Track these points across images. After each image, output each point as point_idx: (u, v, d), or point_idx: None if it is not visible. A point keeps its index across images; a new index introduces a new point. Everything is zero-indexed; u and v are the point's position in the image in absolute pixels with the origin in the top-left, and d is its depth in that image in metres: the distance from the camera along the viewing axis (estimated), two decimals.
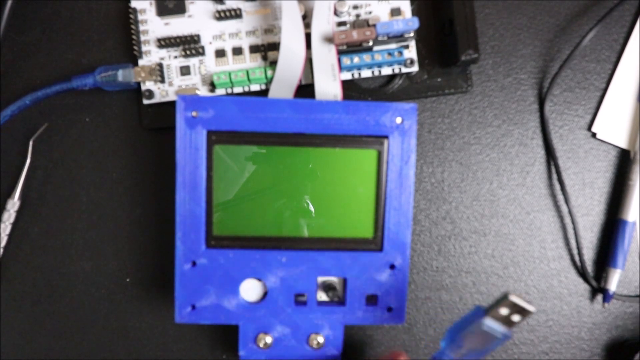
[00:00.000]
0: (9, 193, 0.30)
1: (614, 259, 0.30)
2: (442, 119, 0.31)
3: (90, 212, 0.30)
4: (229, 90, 0.29)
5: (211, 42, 0.29)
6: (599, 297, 0.31)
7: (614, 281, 0.30)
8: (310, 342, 0.27)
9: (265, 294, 0.27)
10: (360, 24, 0.29)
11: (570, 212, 0.30)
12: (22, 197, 0.30)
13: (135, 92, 0.30)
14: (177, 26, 0.29)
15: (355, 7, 0.29)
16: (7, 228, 0.29)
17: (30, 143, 0.29)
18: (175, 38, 0.28)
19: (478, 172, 0.31)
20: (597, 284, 0.31)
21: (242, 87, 0.29)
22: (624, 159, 0.31)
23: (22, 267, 0.30)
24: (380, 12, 0.29)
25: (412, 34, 0.28)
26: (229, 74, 0.28)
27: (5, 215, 0.29)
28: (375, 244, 0.27)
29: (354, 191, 0.27)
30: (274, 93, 0.28)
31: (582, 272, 0.31)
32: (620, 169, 0.31)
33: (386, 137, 0.26)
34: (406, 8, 0.29)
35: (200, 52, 0.29)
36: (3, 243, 0.29)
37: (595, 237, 0.31)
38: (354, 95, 0.30)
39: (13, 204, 0.29)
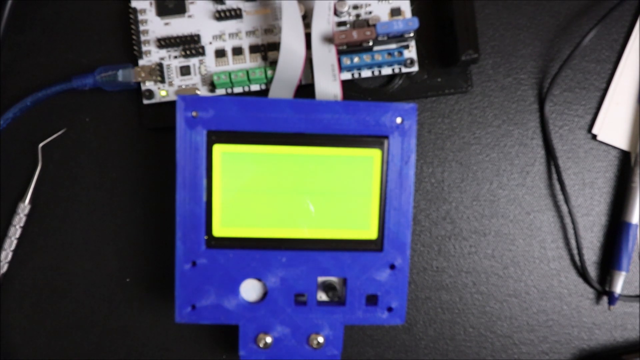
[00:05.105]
0: (9, 194, 0.30)
1: (618, 261, 0.30)
2: (442, 119, 0.31)
3: (90, 212, 0.30)
4: (229, 90, 0.29)
5: (211, 42, 0.29)
6: (598, 298, 0.31)
7: (619, 284, 0.30)
8: (310, 342, 0.27)
9: (265, 294, 0.27)
10: (360, 24, 0.29)
11: (570, 212, 0.30)
12: (32, 200, 0.30)
13: (135, 92, 0.30)
14: (177, 26, 0.29)
15: (355, 7, 0.29)
16: (17, 232, 0.29)
17: (40, 148, 0.29)
18: (175, 38, 0.28)
19: (478, 172, 0.31)
20: (600, 286, 0.31)
21: (242, 87, 0.29)
22: (624, 159, 0.31)
23: (22, 267, 0.30)
24: (380, 12, 0.29)
25: (412, 34, 0.28)
26: (229, 74, 0.28)
27: (16, 219, 0.29)
28: (375, 244, 0.27)
29: (354, 191, 0.27)
30: (274, 93, 0.28)
31: (582, 272, 0.31)
32: (620, 169, 0.31)
33: (386, 137, 0.26)
34: (406, 8, 0.29)
35: (200, 52, 0.28)
36: (13, 246, 0.29)
37: (596, 237, 0.31)
38: (354, 95, 0.30)
39: (24, 208, 0.29)
